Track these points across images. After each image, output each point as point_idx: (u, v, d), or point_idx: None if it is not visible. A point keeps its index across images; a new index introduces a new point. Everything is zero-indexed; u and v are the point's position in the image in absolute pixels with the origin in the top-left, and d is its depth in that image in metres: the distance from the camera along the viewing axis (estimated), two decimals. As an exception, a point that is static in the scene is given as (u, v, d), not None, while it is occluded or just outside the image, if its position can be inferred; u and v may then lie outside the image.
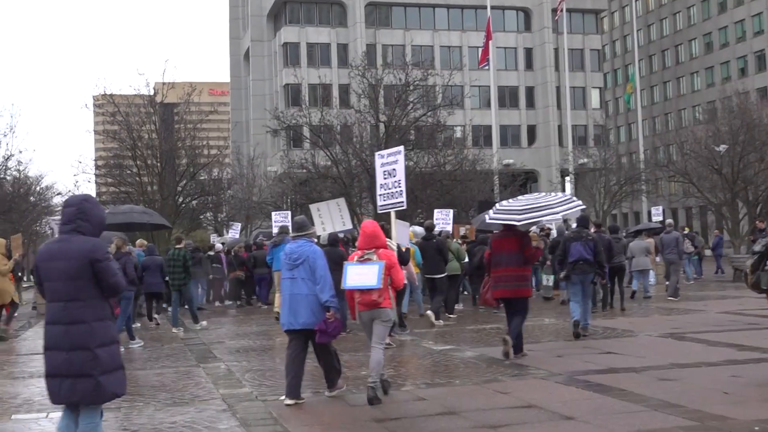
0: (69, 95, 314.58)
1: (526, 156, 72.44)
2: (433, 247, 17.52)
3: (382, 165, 13.77)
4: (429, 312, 17.14)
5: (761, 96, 63.15)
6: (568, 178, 64.81)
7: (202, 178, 44.28)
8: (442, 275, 17.61)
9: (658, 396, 8.55)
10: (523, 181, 51.83)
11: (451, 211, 25.92)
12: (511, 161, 65.84)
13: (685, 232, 32.44)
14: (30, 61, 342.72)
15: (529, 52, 77.68)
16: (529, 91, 77.43)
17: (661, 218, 31.89)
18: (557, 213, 11.95)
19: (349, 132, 36.64)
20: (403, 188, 13.33)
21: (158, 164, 40.39)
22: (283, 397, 8.98)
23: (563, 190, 65.57)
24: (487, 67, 60.18)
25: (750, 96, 57.16)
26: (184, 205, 40.62)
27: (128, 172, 42.41)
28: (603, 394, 8.78)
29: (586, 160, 60.16)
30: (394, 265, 8.94)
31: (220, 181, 48.78)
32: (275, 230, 26.03)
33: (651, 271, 23.45)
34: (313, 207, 21.85)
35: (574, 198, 12.49)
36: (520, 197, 13.06)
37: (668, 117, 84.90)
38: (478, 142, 60.28)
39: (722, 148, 43.27)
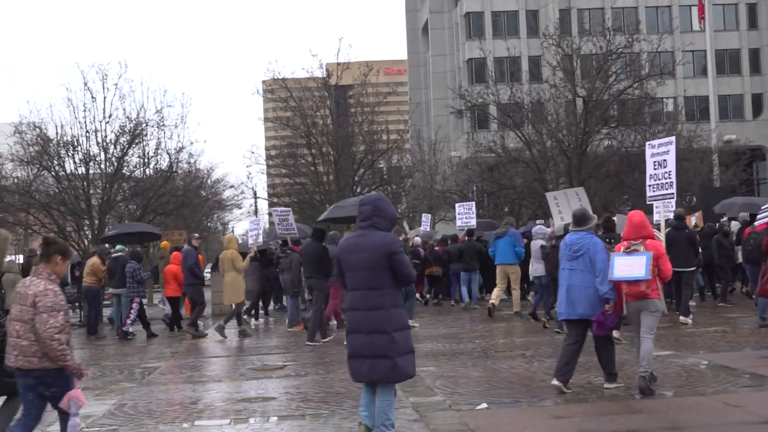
0: (240, 82, 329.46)
1: (752, 130, 69.06)
2: (684, 238, 17.71)
3: (653, 155, 14.91)
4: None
5: None
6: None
7: (380, 165, 45.13)
8: (692, 269, 17.92)
9: None
10: (748, 160, 49.48)
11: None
12: (733, 137, 62.77)
13: None
14: (199, 48, 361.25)
15: (752, 8, 74.00)
16: (754, 54, 73.77)
17: None
18: None
19: (543, 109, 36.26)
20: (674, 180, 14.43)
21: (334, 152, 41.52)
22: (553, 380, 9.99)
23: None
24: (702, 29, 57.79)
25: None
26: (362, 197, 41.55)
27: (302, 161, 43.88)
28: None
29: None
30: (662, 256, 9.81)
31: (399, 169, 49.48)
32: (459, 223, 26.13)
33: None
34: (549, 195, 22.12)
35: None
36: None
37: None
38: (694, 116, 58.05)
39: None
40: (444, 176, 49.85)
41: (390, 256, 7.24)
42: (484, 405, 9.51)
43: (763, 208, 12.90)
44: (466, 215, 26.09)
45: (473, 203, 27.56)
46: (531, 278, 20.05)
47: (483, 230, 27.32)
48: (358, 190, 41.44)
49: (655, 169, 14.89)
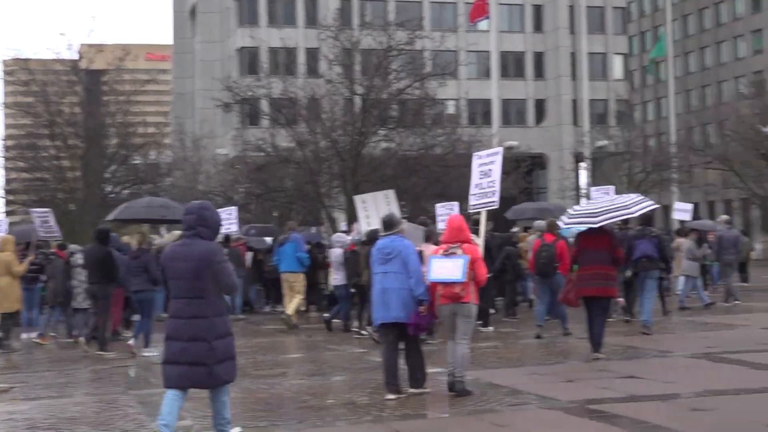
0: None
1: (533, 137, 72.58)
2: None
3: (480, 165, 16.24)
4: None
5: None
6: (583, 164, 64.94)
7: (135, 162, 44.07)
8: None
9: (688, 430, 8.59)
10: (528, 168, 51.92)
11: (456, 204, 26.07)
12: (514, 143, 65.31)
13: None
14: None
15: (538, 9, 77.88)
16: (538, 57, 77.57)
17: (688, 217, 31.25)
18: (633, 213, 14.80)
19: (318, 107, 36.58)
20: (497, 188, 15.70)
21: (82, 145, 40.21)
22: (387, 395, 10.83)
23: (577, 178, 65.67)
24: (484, 28, 60.06)
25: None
26: (113, 195, 40.44)
27: (44, 154, 42.17)
28: (621, 428, 8.80)
29: (605, 142, 60.35)
30: (478, 260, 10.96)
31: (157, 167, 48.56)
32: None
33: (681, 278, 23.71)
34: (357, 199, 22.37)
35: (647, 199, 15.40)
36: (595, 200, 16.33)
37: (706, 90, 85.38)
38: (475, 120, 60.33)
39: (770, 128, 43.57)
40: (208, 176, 49.41)
41: (212, 265, 8.01)
42: (238, 429, 9.43)
43: (573, 216, 14.73)
44: (227, 221, 25.97)
45: (235, 208, 27.45)
46: (331, 287, 20.39)
47: (259, 235, 27.40)
48: (109, 189, 40.33)
49: (480, 178, 16.20)
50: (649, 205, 15.00)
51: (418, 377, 11.08)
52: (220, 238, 24.93)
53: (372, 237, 17.27)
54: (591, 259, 14.00)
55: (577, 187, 63.16)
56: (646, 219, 17.69)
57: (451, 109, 60.60)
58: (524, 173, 48.22)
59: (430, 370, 12.21)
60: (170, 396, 8.11)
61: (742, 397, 10.35)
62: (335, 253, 19.68)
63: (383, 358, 11.12)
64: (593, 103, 75.09)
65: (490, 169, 16.05)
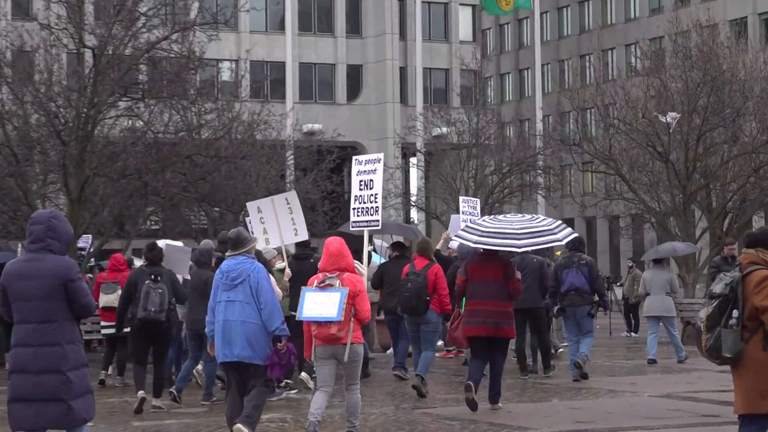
0: None
1: (345, 118, 72.85)
2: (311, 269, 18.69)
3: (359, 173, 17.93)
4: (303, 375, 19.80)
5: (737, 33, 65.83)
6: (414, 160, 65.64)
7: None
8: None
9: None
10: (336, 162, 52.19)
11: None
12: (317, 126, 66.17)
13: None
14: None
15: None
16: (353, 5, 77.84)
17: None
18: (560, 240, 16.80)
19: (29, 63, 35.89)
20: (379, 204, 17.62)
21: None
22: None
23: (407, 180, 66.38)
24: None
25: (719, 32, 59.74)
26: None
27: None
28: None
29: (445, 129, 61.07)
30: (360, 293, 12.59)
31: None
32: None
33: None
34: (251, 206, 22.24)
35: (563, 224, 17.30)
36: (503, 216, 18.75)
37: (585, 61, 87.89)
38: (262, 92, 60.28)
39: (671, 117, 44.55)
40: None
41: (67, 283, 9.46)
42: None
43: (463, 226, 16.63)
44: None
45: None
46: None
47: None
48: None
49: (360, 189, 17.83)
50: (570, 232, 17.24)
51: (252, 416, 12.42)
52: None
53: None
54: (481, 293, 15.86)
55: (406, 192, 63.59)
56: (577, 244, 19.72)
57: (226, 74, 60.44)
58: (330, 170, 48.51)
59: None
60: None
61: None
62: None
63: (227, 399, 13.11)
64: (429, 74, 76.02)
65: (371, 180, 17.73)
